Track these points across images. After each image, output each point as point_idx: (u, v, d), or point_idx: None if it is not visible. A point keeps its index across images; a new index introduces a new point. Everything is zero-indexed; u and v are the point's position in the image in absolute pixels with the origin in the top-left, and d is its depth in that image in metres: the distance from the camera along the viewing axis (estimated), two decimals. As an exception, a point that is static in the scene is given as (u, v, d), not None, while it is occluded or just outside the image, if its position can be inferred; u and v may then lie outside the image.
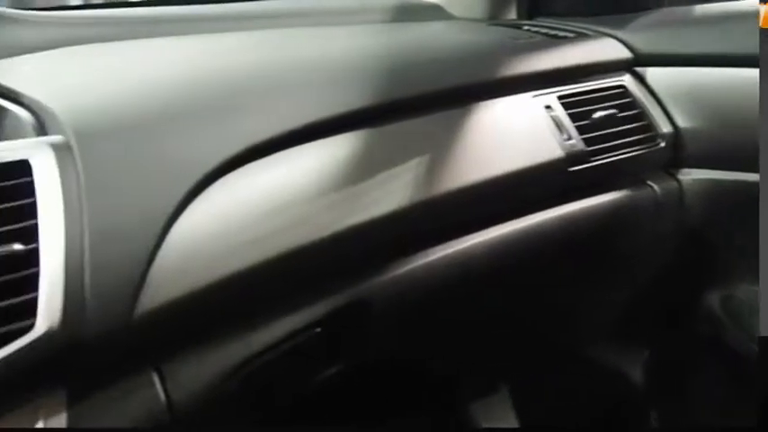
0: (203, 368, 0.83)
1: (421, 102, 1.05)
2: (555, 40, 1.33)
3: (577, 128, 1.16)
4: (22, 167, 0.74)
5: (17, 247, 0.70)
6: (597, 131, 1.18)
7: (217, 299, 0.81)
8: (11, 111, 0.86)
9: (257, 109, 0.93)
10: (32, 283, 0.71)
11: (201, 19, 1.29)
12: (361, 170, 0.95)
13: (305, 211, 0.88)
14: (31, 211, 0.73)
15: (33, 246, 0.71)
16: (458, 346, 1.22)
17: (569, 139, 1.15)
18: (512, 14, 1.62)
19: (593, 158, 1.16)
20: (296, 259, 0.86)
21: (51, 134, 0.82)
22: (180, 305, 0.78)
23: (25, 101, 0.86)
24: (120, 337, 0.75)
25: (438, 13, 1.59)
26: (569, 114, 1.17)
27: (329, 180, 0.92)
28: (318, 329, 0.92)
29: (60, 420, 0.73)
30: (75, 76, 0.95)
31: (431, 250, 1.01)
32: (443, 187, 0.99)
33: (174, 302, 0.77)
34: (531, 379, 1.50)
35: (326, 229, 0.88)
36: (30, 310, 0.70)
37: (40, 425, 0.72)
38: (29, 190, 0.73)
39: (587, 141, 1.16)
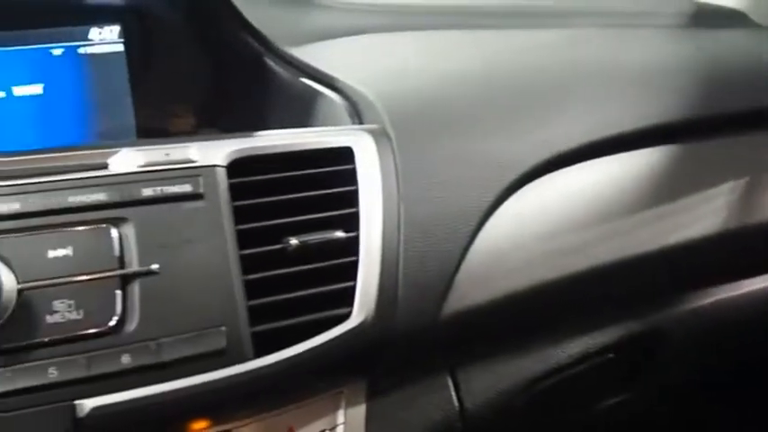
0: (497, 379, 0.79)
1: (738, 119, 0.94)
2: None
3: None
4: (345, 154, 0.73)
5: (339, 234, 0.69)
6: None
7: (516, 309, 0.76)
8: (326, 95, 0.86)
9: (562, 114, 0.87)
10: (349, 271, 0.69)
11: (493, 14, 1.24)
12: (670, 188, 0.86)
13: (613, 226, 0.81)
14: (350, 198, 0.71)
15: (354, 234, 0.69)
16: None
17: None
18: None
19: None
20: (601, 277, 0.79)
21: (367, 121, 0.80)
22: (482, 311, 0.74)
23: (340, 86, 0.85)
24: (426, 336, 0.72)
25: (740, 20, 1.43)
26: None
27: (637, 196, 0.84)
28: (612, 354, 0.84)
29: (359, 412, 0.72)
30: (383, 64, 0.94)
31: (737, 284, 0.90)
32: (758, 217, 0.88)
33: (476, 308, 0.74)
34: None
35: (636, 247, 0.81)
36: (345, 298, 0.68)
37: (339, 415, 0.71)
38: (350, 177, 0.72)
39: None
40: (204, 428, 0.67)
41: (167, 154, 0.67)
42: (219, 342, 0.62)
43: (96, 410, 0.59)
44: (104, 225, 0.63)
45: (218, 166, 0.68)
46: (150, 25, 0.99)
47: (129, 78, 1.00)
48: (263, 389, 0.65)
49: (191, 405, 0.63)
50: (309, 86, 0.87)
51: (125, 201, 0.64)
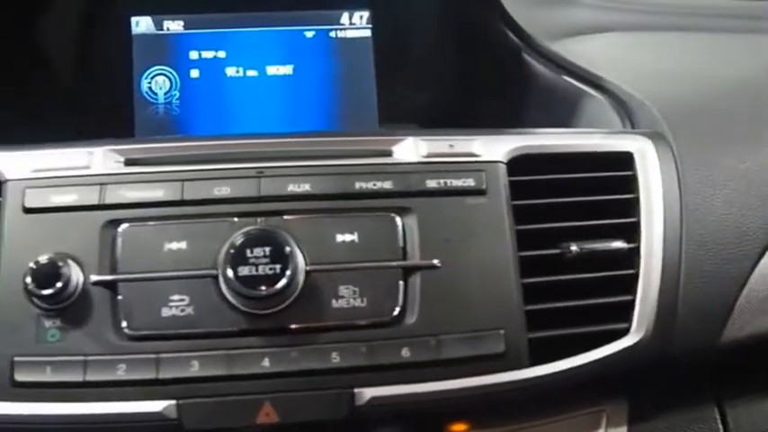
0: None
1: None
2: None
3: None
4: (624, 159, 0.68)
5: (619, 244, 0.64)
6: None
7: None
8: (592, 95, 0.82)
9: None
10: (627, 284, 0.65)
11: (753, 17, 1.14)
12: None
13: None
14: (629, 206, 0.66)
15: (634, 245, 0.64)
16: None
17: None
18: None
19: None
20: None
21: (642, 126, 0.75)
22: (763, 341, 0.67)
23: (607, 86, 0.81)
24: (701, 361, 0.66)
25: None
26: None
27: None
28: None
29: (620, 433, 0.67)
30: (649, 65, 0.89)
31: None
32: None
33: (758, 337, 0.67)
34: None
35: None
36: (622, 313, 0.63)
37: (600, 432, 0.66)
38: (630, 184, 0.67)
39: None
40: (461, 431, 0.65)
41: (451, 146, 0.65)
42: (498, 346, 0.60)
43: (374, 400, 0.58)
44: (390, 214, 0.62)
45: (500, 162, 0.65)
46: (401, 12, 0.97)
47: (375, 64, 0.99)
48: (532, 399, 0.62)
49: (460, 406, 0.62)
50: (572, 85, 0.83)
51: (410, 191, 0.63)
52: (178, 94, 1.00)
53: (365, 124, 1.00)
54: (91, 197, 0.61)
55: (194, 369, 0.57)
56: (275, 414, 0.58)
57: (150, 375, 0.57)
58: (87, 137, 0.83)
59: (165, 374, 0.57)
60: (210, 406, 0.57)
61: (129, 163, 0.64)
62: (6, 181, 0.62)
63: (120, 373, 0.57)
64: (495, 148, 0.66)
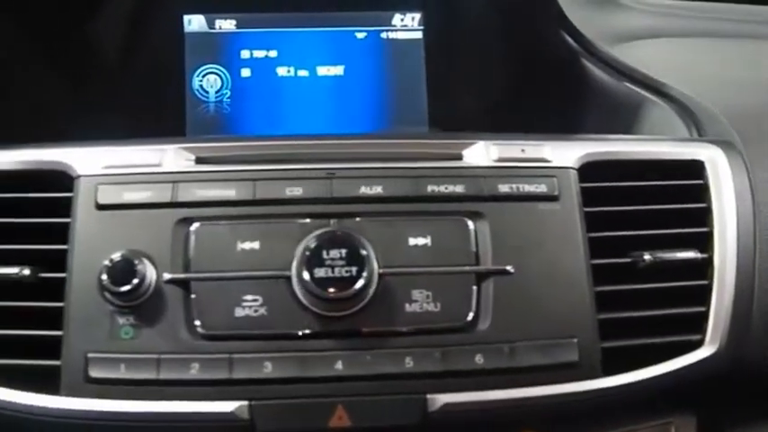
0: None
1: None
2: None
3: None
4: (695, 168, 0.67)
5: (692, 254, 0.63)
6: None
7: None
8: (656, 102, 0.81)
9: None
10: (700, 295, 0.65)
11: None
12: None
13: None
14: (701, 216, 0.66)
15: (707, 255, 0.63)
16: None
17: None
18: None
19: None
20: None
21: (710, 134, 0.74)
22: None
23: (672, 93, 0.80)
24: (770, 373, 0.65)
25: None
26: None
27: None
28: None
29: (686, 447, 0.66)
30: (710, 72, 0.87)
31: None
32: None
33: None
34: None
35: None
36: (695, 324, 0.63)
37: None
38: (701, 193, 0.66)
39: None
40: (529, 439, 0.64)
41: (523, 150, 0.64)
42: (572, 354, 0.59)
43: (447, 406, 0.58)
44: (462, 218, 0.61)
45: (571, 168, 0.64)
46: (453, 14, 0.97)
47: (426, 67, 0.98)
48: (602, 409, 0.62)
49: (530, 414, 0.61)
50: (633, 91, 0.82)
51: (482, 195, 0.62)
52: (229, 93, 1.00)
53: (415, 127, 0.99)
54: (163, 195, 0.61)
55: (267, 370, 0.57)
56: (348, 418, 0.57)
57: (223, 375, 0.57)
58: (139, 134, 0.83)
59: (239, 375, 0.57)
60: (283, 408, 0.57)
61: (199, 161, 0.63)
62: (79, 177, 0.62)
63: (194, 373, 0.57)
64: (566, 153, 0.65)
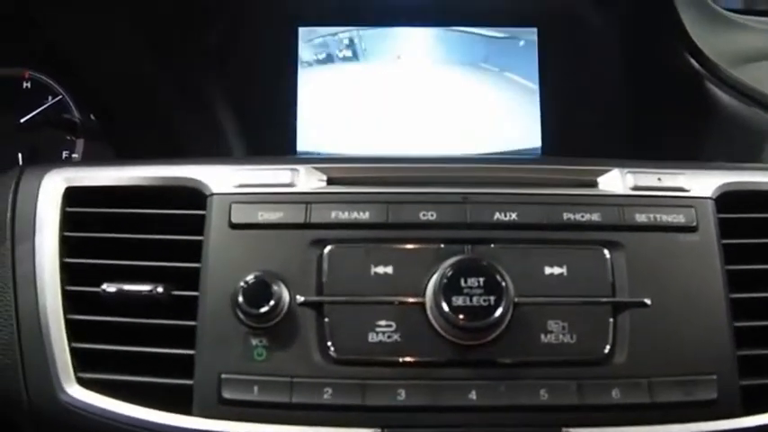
0: None
1: None
2: None
3: None
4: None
5: None
6: None
7: None
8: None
9: None
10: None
11: None
12: None
13: None
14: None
15: None
16: None
17: None
18: None
19: None
20: None
21: None
22: None
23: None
24: None
25: None
26: None
27: None
28: None
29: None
30: None
31: None
32: None
33: None
34: None
35: None
36: None
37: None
38: None
39: None
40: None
41: (659, 179, 0.62)
42: (710, 392, 0.57)
43: None
44: (599, 247, 0.59)
45: (709, 198, 0.62)
46: (570, 31, 0.95)
47: (540, 86, 0.97)
48: (739, 449, 0.59)
49: None
50: (760, 116, 0.79)
51: (619, 224, 0.60)
52: (341, 109, 1.00)
53: (527, 146, 0.98)
54: (297, 215, 0.60)
55: (401, 398, 0.56)
56: (481, 448, 0.56)
57: (356, 401, 0.56)
58: (251, 151, 0.83)
59: (372, 401, 0.56)
60: None
61: (331, 182, 0.63)
62: (212, 195, 0.62)
63: (327, 397, 0.56)
64: (704, 183, 0.63)
